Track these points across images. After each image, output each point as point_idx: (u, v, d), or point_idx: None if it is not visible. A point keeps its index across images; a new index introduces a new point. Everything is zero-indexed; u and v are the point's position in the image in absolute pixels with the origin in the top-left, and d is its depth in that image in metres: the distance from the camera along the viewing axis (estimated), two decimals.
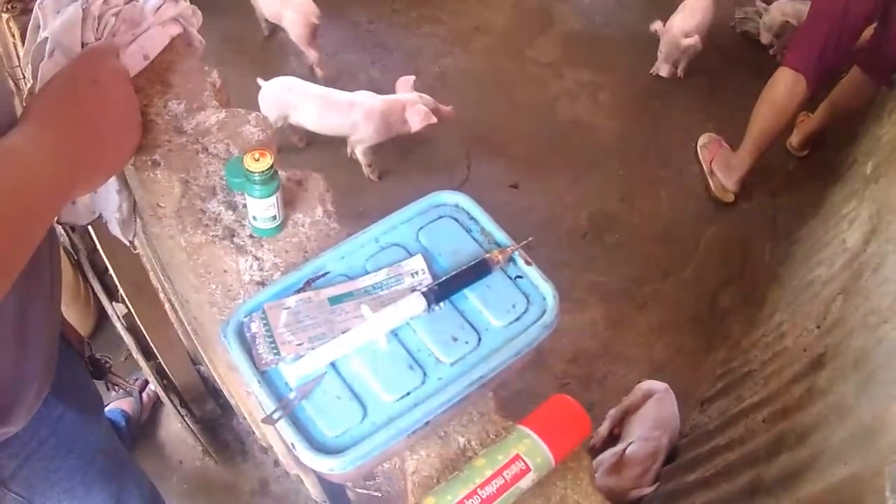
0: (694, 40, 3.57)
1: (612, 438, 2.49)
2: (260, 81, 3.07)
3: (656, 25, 3.72)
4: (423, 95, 3.08)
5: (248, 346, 0.92)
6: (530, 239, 0.98)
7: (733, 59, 3.97)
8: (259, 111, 1.28)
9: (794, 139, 3.50)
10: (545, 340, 0.95)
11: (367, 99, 3.05)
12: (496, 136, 3.52)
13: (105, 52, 1.13)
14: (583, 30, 4.07)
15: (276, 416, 0.85)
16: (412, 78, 3.10)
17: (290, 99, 3.04)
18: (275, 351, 0.90)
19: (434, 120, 3.03)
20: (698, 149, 3.53)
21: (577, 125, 3.57)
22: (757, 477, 1.80)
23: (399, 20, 4.03)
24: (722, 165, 3.35)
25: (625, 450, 2.22)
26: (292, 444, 0.84)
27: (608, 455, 2.27)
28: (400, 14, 4.06)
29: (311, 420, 0.86)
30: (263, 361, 0.90)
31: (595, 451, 2.42)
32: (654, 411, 2.42)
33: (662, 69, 3.77)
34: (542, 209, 3.25)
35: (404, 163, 3.34)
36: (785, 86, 3.01)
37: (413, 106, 3.01)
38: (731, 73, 3.89)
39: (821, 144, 3.51)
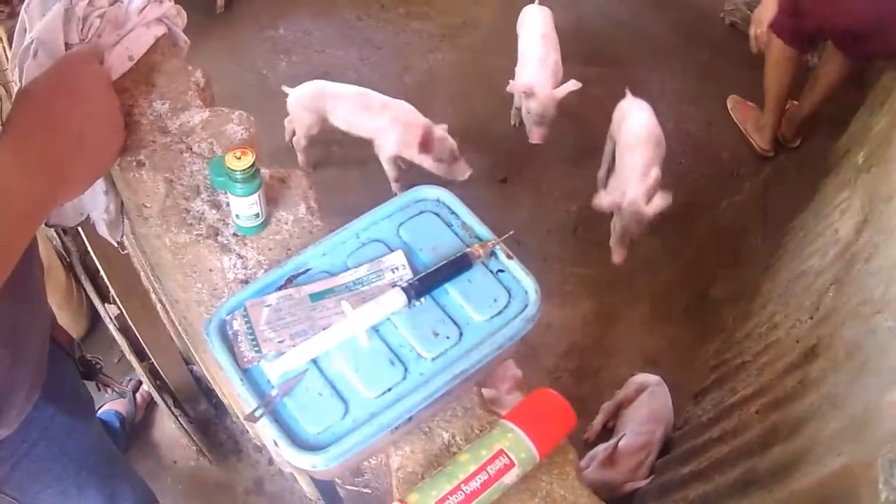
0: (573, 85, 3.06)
1: (606, 432, 2.49)
2: (286, 89, 3.06)
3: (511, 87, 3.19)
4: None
5: (230, 344, 0.92)
6: (511, 233, 0.98)
7: (722, 49, 3.96)
8: (241, 113, 1.28)
9: (785, 130, 3.51)
10: (529, 334, 0.95)
11: (400, 107, 3.02)
12: (485, 131, 3.51)
13: (84, 57, 1.13)
14: (572, 24, 4.05)
15: (258, 413, 0.85)
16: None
17: (325, 101, 3.02)
18: (256, 348, 0.90)
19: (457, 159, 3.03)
20: (730, 111, 3.72)
21: (565, 119, 3.55)
22: (751, 469, 1.80)
23: (387, 17, 4.02)
24: (753, 128, 3.56)
25: (618, 443, 2.22)
26: (275, 442, 0.85)
27: (602, 448, 2.28)
28: (388, 10, 4.05)
29: (294, 417, 0.86)
30: (245, 359, 0.90)
31: (589, 445, 2.43)
32: (648, 404, 2.42)
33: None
34: (531, 203, 3.25)
35: None
36: (777, 50, 3.23)
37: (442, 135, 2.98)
38: (720, 64, 3.89)
39: (812, 135, 3.52)
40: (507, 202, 3.23)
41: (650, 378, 2.51)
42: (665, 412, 2.42)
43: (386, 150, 3.04)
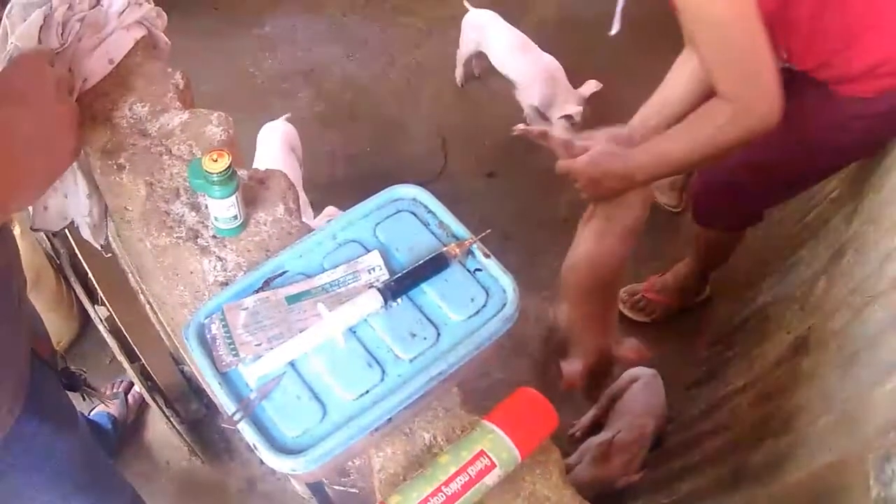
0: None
1: (596, 427, 2.46)
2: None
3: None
4: None
5: (209, 349, 0.91)
6: (488, 231, 0.97)
7: None
8: (220, 114, 1.27)
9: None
10: (516, 328, 0.95)
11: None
12: (472, 125, 3.49)
13: (31, 61, 1.10)
14: (560, 16, 4.03)
15: (237, 417, 0.85)
16: None
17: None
18: (234, 352, 0.89)
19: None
20: None
21: None
22: (743, 463, 1.80)
23: (373, 12, 4.00)
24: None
25: (612, 438, 2.20)
26: (254, 446, 0.84)
27: (595, 443, 2.25)
28: (374, 6, 4.03)
29: (272, 420, 0.86)
30: (224, 363, 0.89)
31: (576, 441, 2.39)
32: (642, 397, 2.40)
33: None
34: (519, 197, 3.22)
35: (379, 152, 3.33)
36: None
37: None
38: None
39: None
40: (495, 196, 3.21)
41: (644, 370, 2.48)
42: (659, 405, 2.39)
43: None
